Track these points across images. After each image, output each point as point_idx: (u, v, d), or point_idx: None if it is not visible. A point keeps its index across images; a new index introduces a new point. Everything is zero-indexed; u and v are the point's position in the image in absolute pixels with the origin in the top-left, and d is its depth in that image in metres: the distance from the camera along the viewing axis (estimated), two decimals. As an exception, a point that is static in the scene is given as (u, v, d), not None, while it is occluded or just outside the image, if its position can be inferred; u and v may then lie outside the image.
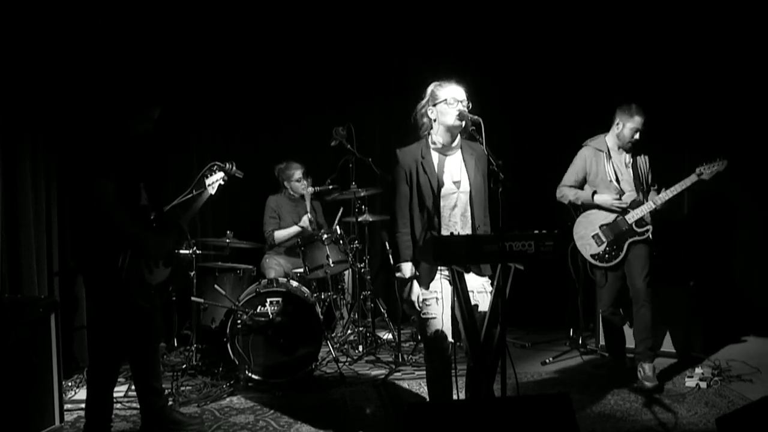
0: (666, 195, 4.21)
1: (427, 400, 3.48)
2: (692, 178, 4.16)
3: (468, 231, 3.13)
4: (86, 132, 3.38)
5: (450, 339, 3.07)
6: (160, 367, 3.68)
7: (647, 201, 4.27)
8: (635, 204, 4.28)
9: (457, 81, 3.15)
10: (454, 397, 3.14)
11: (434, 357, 3.12)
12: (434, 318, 3.04)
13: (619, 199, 4.30)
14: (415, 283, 3.09)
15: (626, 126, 4.28)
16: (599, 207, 4.38)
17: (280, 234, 5.30)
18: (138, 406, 3.55)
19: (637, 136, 4.28)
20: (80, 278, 4.31)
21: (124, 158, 3.21)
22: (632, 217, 4.26)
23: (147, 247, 3.25)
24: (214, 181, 3.75)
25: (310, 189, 5.24)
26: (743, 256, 5.49)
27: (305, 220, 5.16)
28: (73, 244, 3.52)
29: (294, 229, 5.25)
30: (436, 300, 3.05)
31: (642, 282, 4.20)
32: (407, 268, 3.12)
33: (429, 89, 3.17)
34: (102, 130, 3.25)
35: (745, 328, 5.31)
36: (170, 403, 3.71)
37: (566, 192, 4.50)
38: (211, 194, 3.73)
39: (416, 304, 3.09)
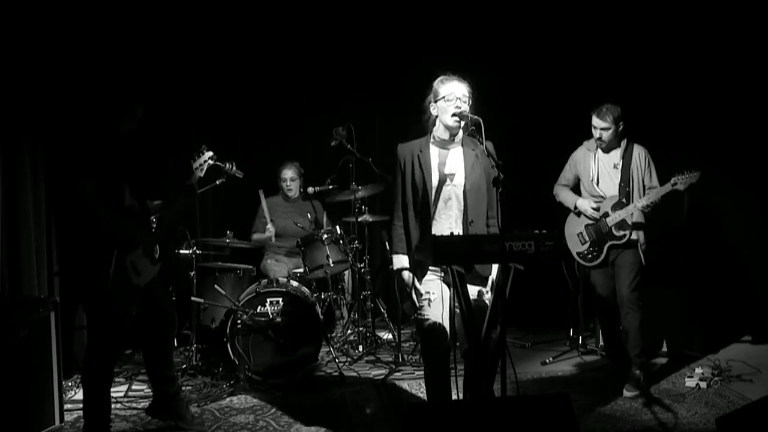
0: (642, 202, 4.10)
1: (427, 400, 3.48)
2: (667, 188, 4.06)
3: (461, 225, 3.11)
4: (64, 133, 3.31)
5: (447, 340, 3.06)
6: (173, 355, 3.67)
7: (631, 204, 4.13)
8: (617, 206, 4.16)
9: (460, 77, 3.12)
10: (453, 397, 3.14)
11: (431, 358, 3.12)
12: (429, 319, 3.03)
13: (597, 208, 4.21)
14: (407, 273, 3.13)
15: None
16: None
17: (256, 236, 5.41)
18: (137, 407, 3.59)
19: (598, 135, 4.15)
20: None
21: (105, 158, 3.15)
22: (612, 220, 4.15)
23: (131, 237, 3.18)
24: (203, 161, 3.53)
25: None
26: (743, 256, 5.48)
27: (270, 229, 5.29)
28: (59, 253, 3.44)
29: (264, 236, 5.37)
30: (430, 302, 3.04)
31: (627, 289, 4.11)
32: (397, 260, 3.17)
33: (434, 83, 3.16)
34: (80, 131, 3.20)
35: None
36: (183, 395, 3.66)
37: (558, 191, 4.48)
38: (199, 176, 3.53)
39: (409, 291, 3.11)
